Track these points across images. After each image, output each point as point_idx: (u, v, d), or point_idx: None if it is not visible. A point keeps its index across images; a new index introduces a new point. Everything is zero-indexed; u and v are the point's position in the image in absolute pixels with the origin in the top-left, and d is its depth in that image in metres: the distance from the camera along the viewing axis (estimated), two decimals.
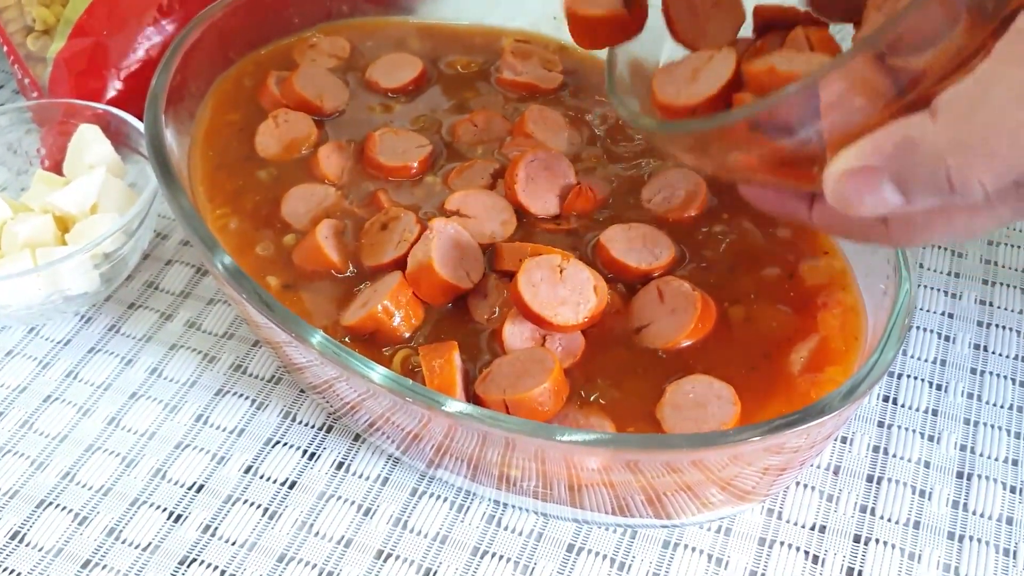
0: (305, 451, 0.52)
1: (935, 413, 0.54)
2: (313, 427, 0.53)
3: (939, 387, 0.55)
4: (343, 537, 0.48)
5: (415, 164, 0.56)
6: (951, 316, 0.59)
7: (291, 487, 0.50)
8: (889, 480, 0.51)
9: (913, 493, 0.50)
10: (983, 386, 0.55)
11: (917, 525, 0.49)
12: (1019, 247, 0.63)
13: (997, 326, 0.58)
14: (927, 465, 0.52)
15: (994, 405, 0.54)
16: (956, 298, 0.60)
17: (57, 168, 0.62)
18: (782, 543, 0.48)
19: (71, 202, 0.56)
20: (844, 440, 0.52)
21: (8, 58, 0.66)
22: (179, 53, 0.56)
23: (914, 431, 0.53)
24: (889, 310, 0.45)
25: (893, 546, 0.48)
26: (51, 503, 0.50)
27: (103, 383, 0.55)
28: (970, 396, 0.55)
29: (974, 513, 0.50)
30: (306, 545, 0.48)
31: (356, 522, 0.49)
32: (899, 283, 0.46)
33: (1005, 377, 0.56)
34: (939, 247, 0.63)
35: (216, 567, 0.47)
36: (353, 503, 0.50)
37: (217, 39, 0.60)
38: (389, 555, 0.48)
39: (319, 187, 0.55)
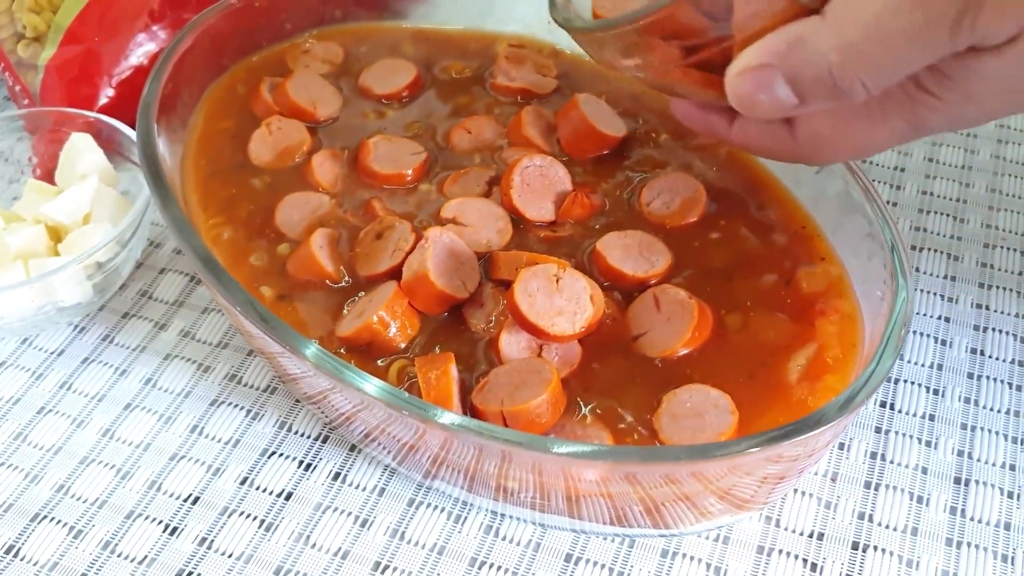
0: (301, 462, 0.52)
1: (932, 418, 0.54)
2: (309, 437, 0.53)
3: (936, 392, 0.55)
4: (340, 549, 0.48)
5: (410, 172, 0.56)
6: (947, 320, 0.59)
7: (287, 498, 0.50)
8: (887, 487, 0.51)
9: (911, 499, 0.50)
10: (980, 391, 0.55)
11: (915, 532, 0.49)
12: (1015, 250, 0.63)
13: (994, 330, 0.58)
14: (925, 471, 0.52)
15: (991, 410, 0.54)
16: (952, 302, 0.60)
17: (49, 176, 0.61)
18: (780, 551, 0.48)
19: (63, 212, 0.56)
20: (842, 447, 0.52)
21: None
22: (171, 60, 0.56)
23: (912, 437, 0.53)
24: (886, 318, 0.45)
25: (891, 553, 0.48)
26: (46, 516, 0.49)
27: (97, 394, 0.55)
28: (967, 401, 0.55)
29: (972, 519, 0.50)
30: (303, 557, 0.48)
31: (353, 533, 0.49)
32: (896, 290, 0.46)
33: (1002, 381, 0.56)
34: (935, 250, 0.63)
35: None
36: (350, 514, 0.49)
37: (209, 45, 0.59)
38: (387, 567, 0.48)
39: (313, 195, 0.55)
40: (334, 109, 0.60)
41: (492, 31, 0.65)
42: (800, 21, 0.39)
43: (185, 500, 0.50)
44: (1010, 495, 0.51)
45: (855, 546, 0.48)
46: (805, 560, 0.48)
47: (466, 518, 0.49)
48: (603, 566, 0.48)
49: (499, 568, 0.48)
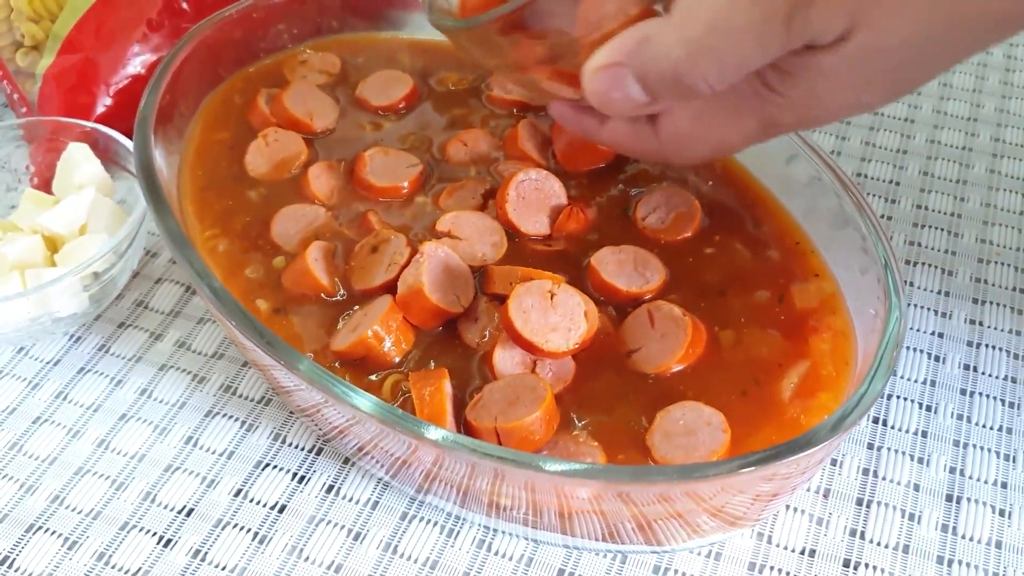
0: (295, 474, 0.52)
1: (925, 435, 0.54)
2: (303, 449, 0.53)
3: (929, 408, 0.55)
4: (333, 562, 0.48)
5: (405, 184, 0.56)
6: (941, 336, 0.59)
7: (281, 511, 0.50)
8: (879, 503, 0.51)
9: (903, 517, 0.51)
10: (973, 407, 0.55)
11: (907, 549, 0.49)
12: (1009, 265, 0.63)
13: (987, 346, 0.58)
14: (916, 488, 0.52)
15: (983, 426, 0.54)
16: (946, 317, 0.60)
17: (46, 185, 0.61)
18: (772, 568, 0.48)
19: (60, 223, 0.56)
20: (834, 463, 0.53)
21: None
22: (168, 72, 0.56)
23: (904, 453, 0.53)
24: (879, 338, 0.45)
25: (883, 571, 0.48)
26: (40, 527, 0.50)
27: (93, 404, 0.55)
28: (960, 417, 0.55)
29: (963, 537, 0.50)
30: (296, 570, 0.48)
31: (346, 547, 0.49)
32: (889, 309, 0.46)
33: (994, 398, 0.56)
34: (929, 265, 0.63)
35: None
36: (343, 527, 0.50)
37: (207, 56, 0.59)
38: None
39: (309, 208, 0.55)
40: (331, 120, 0.60)
41: None
42: (648, 21, 0.40)
43: (179, 512, 0.50)
44: (1001, 513, 0.51)
45: (846, 563, 0.49)
46: None
47: (459, 532, 0.49)
48: None
49: None
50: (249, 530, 0.50)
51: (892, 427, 0.54)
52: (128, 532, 0.49)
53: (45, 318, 0.55)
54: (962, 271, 0.63)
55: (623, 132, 0.47)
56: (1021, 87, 0.77)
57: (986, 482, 0.52)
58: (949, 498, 0.51)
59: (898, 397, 0.56)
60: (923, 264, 0.63)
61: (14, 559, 0.48)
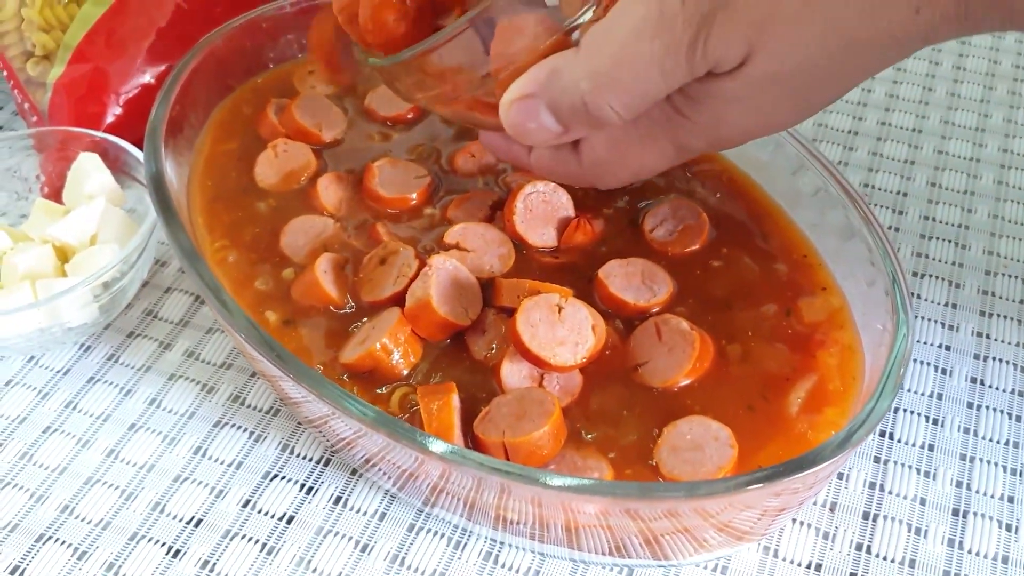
0: (303, 485, 0.52)
1: (931, 448, 0.54)
2: (311, 460, 0.53)
3: (936, 421, 0.55)
4: (341, 574, 0.49)
5: (414, 196, 0.56)
6: (948, 348, 0.59)
7: (289, 522, 0.51)
8: (885, 517, 0.51)
9: (909, 531, 0.51)
10: (979, 421, 0.55)
11: (913, 564, 0.49)
12: (1017, 277, 0.63)
13: (994, 359, 0.58)
14: (923, 502, 0.52)
15: (990, 440, 0.55)
16: (953, 330, 0.60)
17: (56, 195, 0.62)
18: None
19: (71, 234, 0.56)
20: (841, 476, 0.53)
21: (8, 82, 0.66)
22: (178, 83, 0.57)
23: (910, 467, 0.53)
24: (887, 354, 0.46)
25: None
26: (51, 537, 0.50)
27: (102, 414, 0.55)
28: (966, 431, 0.55)
29: (970, 552, 0.50)
30: None
31: (354, 558, 0.49)
32: (897, 326, 0.47)
33: (1001, 412, 0.56)
34: (936, 277, 0.63)
35: None
36: (351, 539, 0.50)
37: (216, 66, 0.60)
38: None
39: (318, 219, 0.55)
40: (339, 131, 0.60)
41: None
42: (558, 54, 0.42)
43: (188, 522, 0.51)
44: (1008, 528, 0.51)
45: None
46: None
47: (466, 544, 0.50)
48: None
49: None
50: (257, 541, 0.50)
51: (899, 440, 0.54)
52: (137, 542, 0.50)
53: (55, 328, 0.55)
54: (969, 283, 0.63)
55: (548, 159, 0.49)
56: None
57: (993, 496, 0.52)
58: (956, 512, 0.51)
59: (905, 410, 0.56)
60: (930, 276, 0.63)
61: (24, 569, 0.49)
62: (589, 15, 0.43)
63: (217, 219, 0.55)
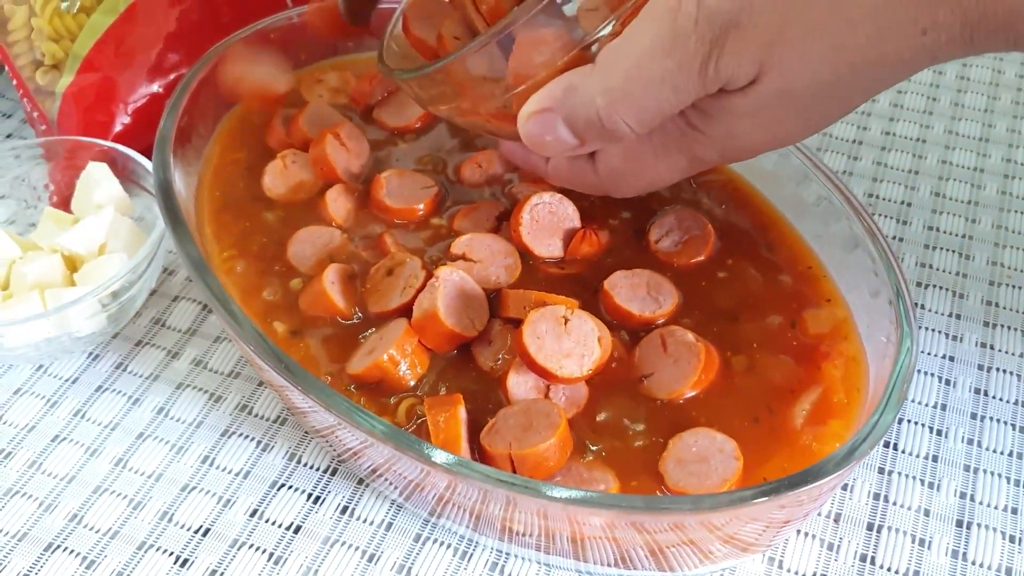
0: (310, 494, 0.52)
1: (935, 459, 0.54)
2: (318, 470, 0.53)
3: (939, 432, 0.56)
4: None
5: (421, 207, 0.57)
6: (952, 359, 0.59)
7: (296, 531, 0.51)
8: (889, 528, 0.51)
9: (913, 542, 0.51)
10: (983, 432, 0.56)
11: (917, 575, 0.50)
12: (1021, 288, 0.63)
13: (998, 370, 0.59)
14: (927, 513, 0.52)
15: (994, 451, 0.55)
16: (957, 340, 0.60)
17: (64, 203, 0.62)
18: None
19: (80, 243, 0.57)
20: (845, 487, 0.53)
21: (17, 91, 0.66)
22: (187, 93, 0.57)
23: (914, 478, 0.54)
24: (891, 367, 0.46)
25: None
26: (59, 546, 0.50)
27: (110, 423, 0.55)
28: (970, 442, 0.55)
29: (973, 563, 0.50)
30: None
31: (361, 568, 0.49)
32: (900, 339, 0.47)
33: (1005, 423, 0.56)
34: (940, 287, 0.63)
35: None
36: (357, 549, 0.50)
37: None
38: None
39: (325, 229, 0.55)
40: None
41: None
42: (575, 70, 0.44)
43: (196, 532, 0.51)
44: (1012, 539, 0.51)
45: None
46: None
47: (472, 554, 0.50)
48: None
49: None
50: (265, 550, 0.50)
51: (903, 451, 0.55)
52: (145, 552, 0.50)
53: (64, 337, 0.55)
54: (973, 294, 0.63)
55: (565, 169, 0.50)
56: None
57: (996, 508, 0.52)
58: (959, 524, 0.52)
59: (909, 421, 0.56)
60: (934, 286, 0.63)
61: None
62: (608, 30, 0.44)
63: (225, 229, 0.56)
